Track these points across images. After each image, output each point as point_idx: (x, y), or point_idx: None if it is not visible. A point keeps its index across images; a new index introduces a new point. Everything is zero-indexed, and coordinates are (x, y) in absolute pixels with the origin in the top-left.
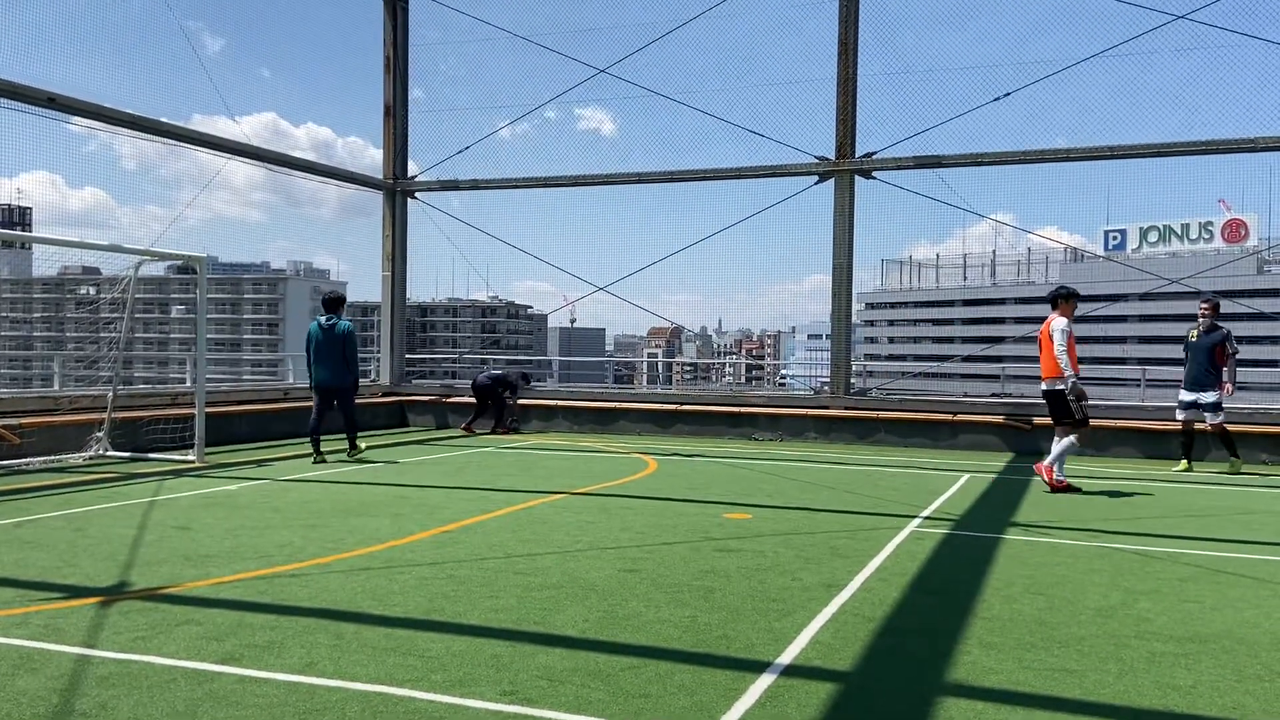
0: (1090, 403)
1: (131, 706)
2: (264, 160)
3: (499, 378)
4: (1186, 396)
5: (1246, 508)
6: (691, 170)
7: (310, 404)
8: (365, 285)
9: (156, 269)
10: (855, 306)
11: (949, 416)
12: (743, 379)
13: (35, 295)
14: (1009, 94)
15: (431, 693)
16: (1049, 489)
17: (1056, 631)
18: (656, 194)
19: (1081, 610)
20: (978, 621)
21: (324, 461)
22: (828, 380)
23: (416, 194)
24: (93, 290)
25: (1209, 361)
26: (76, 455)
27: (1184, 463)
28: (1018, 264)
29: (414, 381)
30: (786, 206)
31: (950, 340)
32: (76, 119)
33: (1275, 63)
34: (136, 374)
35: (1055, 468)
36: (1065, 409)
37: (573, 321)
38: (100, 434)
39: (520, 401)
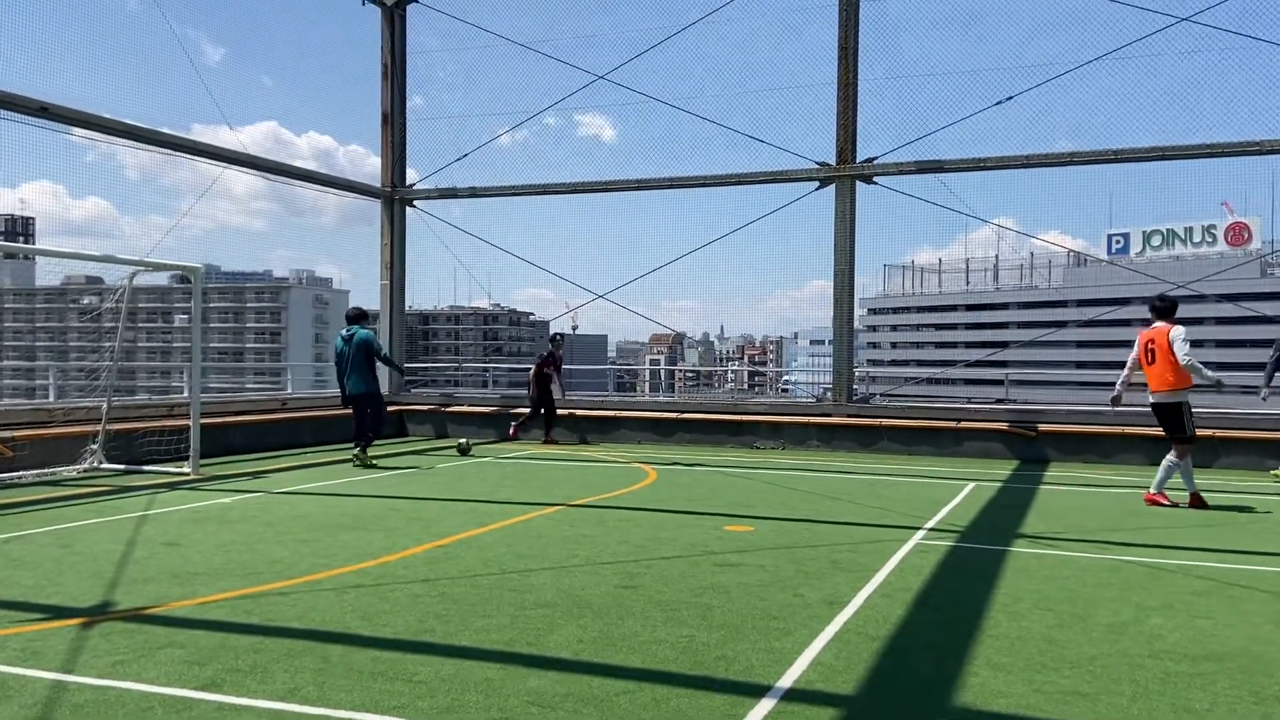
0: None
1: None
2: (262, 169)
3: (541, 359)
4: None
5: (1256, 517)
6: (692, 177)
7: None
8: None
9: (159, 279)
10: (857, 312)
11: (953, 424)
12: (745, 385)
13: (38, 305)
14: (1011, 98)
15: None
16: (1168, 504)
17: (1067, 650)
18: (657, 200)
19: (1092, 627)
20: (985, 640)
21: (371, 466)
22: (830, 387)
23: (415, 202)
24: (95, 300)
25: None
26: (70, 468)
27: None
28: (1021, 269)
29: (413, 391)
30: (788, 212)
31: (953, 346)
32: (77, 129)
33: None
34: (139, 384)
35: (1163, 485)
36: (1179, 423)
37: (574, 328)
38: (94, 446)
39: (521, 410)
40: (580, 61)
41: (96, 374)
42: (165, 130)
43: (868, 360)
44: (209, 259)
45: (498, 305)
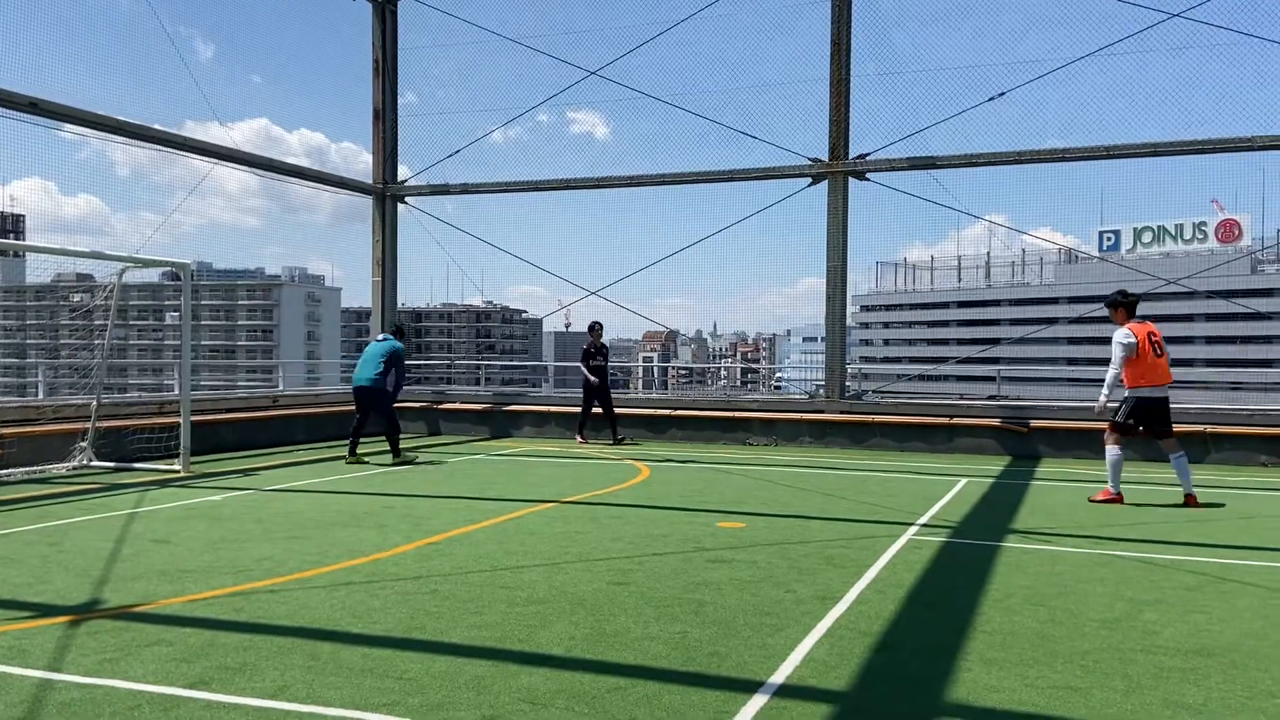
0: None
1: None
2: (252, 165)
3: (587, 352)
4: None
5: (1247, 512)
6: (684, 173)
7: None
8: (360, 291)
9: (150, 276)
10: (850, 309)
11: (945, 420)
12: (738, 382)
13: (28, 303)
14: (1003, 94)
15: (407, 718)
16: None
17: (1060, 645)
18: (649, 197)
19: (1085, 622)
20: (978, 635)
21: (361, 463)
22: (823, 383)
23: (407, 199)
24: (86, 297)
25: None
26: (59, 465)
27: None
28: (1012, 265)
29: (405, 388)
30: (780, 209)
31: (946, 342)
32: (67, 125)
33: (1271, 61)
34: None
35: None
36: (1169, 417)
37: (567, 326)
38: (84, 444)
39: (514, 408)
40: (572, 57)
41: (87, 371)
42: (156, 126)
43: (860, 357)
44: (201, 256)
45: (490, 303)
